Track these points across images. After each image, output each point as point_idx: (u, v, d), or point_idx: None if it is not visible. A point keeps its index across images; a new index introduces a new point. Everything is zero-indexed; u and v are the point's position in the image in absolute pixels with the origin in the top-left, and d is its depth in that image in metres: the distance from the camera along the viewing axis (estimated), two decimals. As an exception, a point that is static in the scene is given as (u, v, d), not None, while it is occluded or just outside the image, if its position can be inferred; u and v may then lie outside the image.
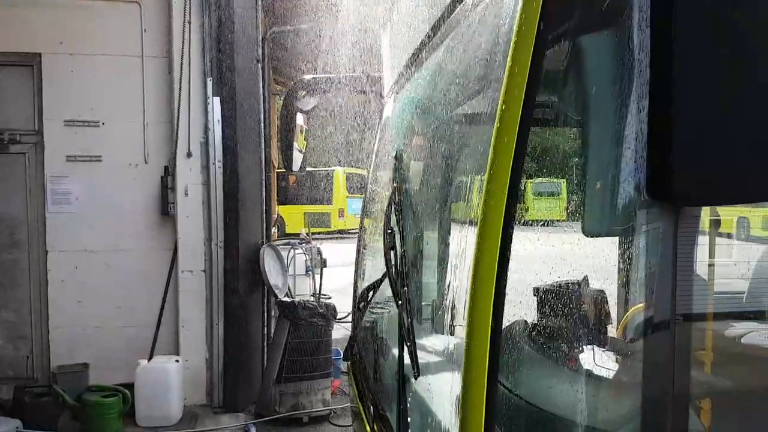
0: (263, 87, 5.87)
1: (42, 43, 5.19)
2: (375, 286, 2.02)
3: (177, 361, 5.05)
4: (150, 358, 5.07)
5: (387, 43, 2.53)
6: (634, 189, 0.92)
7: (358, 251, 2.89)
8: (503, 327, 1.01)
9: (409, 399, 1.69)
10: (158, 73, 5.32)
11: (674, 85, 0.85)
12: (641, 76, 0.91)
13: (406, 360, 1.28)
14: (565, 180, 1.17)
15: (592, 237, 1.00)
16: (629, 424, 1.03)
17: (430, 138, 2.25)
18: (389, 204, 1.48)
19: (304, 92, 2.80)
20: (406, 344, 1.25)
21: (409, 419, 1.57)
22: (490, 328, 0.97)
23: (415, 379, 1.22)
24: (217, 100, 5.28)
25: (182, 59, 5.20)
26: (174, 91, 5.25)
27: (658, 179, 0.88)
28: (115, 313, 5.30)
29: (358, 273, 2.86)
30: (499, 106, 1.00)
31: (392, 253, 1.37)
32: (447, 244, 2.12)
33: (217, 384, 5.37)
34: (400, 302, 1.31)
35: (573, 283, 1.25)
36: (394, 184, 1.51)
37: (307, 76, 3.01)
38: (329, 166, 21.16)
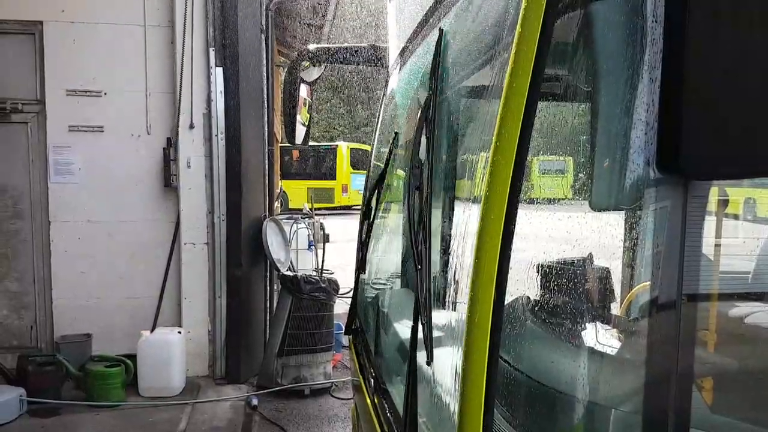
0: (267, 58, 5.80)
1: (43, 11, 5.12)
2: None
3: (179, 332, 5.08)
4: (153, 330, 5.11)
5: (393, 11, 2.48)
6: (643, 162, 0.90)
7: (361, 226, 2.87)
8: (506, 302, 0.99)
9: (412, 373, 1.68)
10: (160, 43, 5.25)
11: (687, 56, 0.82)
12: (653, 45, 0.88)
13: (418, 336, 1.24)
14: (573, 153, 1.15)
15: (599, 211, 0.97)
16: (632, 401, 1.02)
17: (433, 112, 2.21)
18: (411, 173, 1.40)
19: (308, 63, 2.75)
20: (421, 322, 1.20)
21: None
22: (492, 302, 0.96)
23: (428, 365, 1.18)
24: (219, 70, 5.22)
25: (185, 28, 5.13)
26: (176, 61, 5.19)
27: (668, 152, 0.86)
28: (117, 284, 5.32)
29: (360, 248, 2.84)
30: (507, 76, 0.97)
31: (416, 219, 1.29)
32: (451, 219, 2.10)
33: (219, 356, 5.41)
34: (419, 268, 1.24)
35: (577, 260, 1.23)
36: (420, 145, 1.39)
37: (311, 46, 2.96)
38: (333, 141, 21.08)
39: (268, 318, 5.89)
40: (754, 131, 0.83)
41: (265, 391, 5.15)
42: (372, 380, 2.04)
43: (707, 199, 1.25)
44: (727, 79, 0.82)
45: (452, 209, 2.10)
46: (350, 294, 2.93)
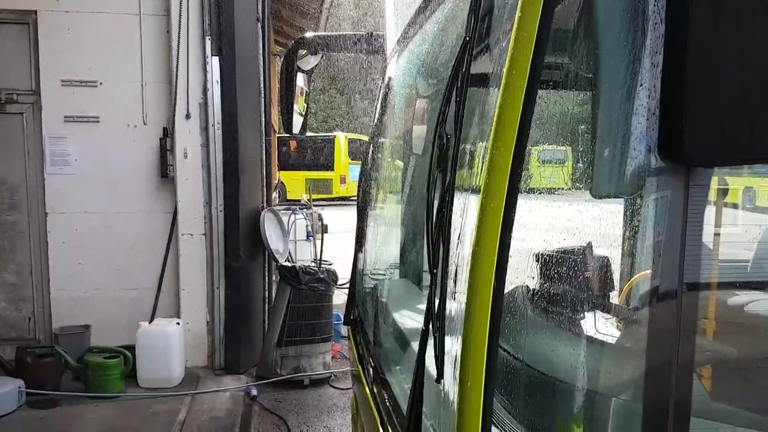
0: (263, 47, 5.76)
1: (37, 0, 5.07)
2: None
3: (178, 323, 5.08)
4: (151, 321, 5.10)
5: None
6: (645, 149, 0.89)
7: (359, 216, 2.86)
8: (505, 291, 0.98)
9: (410, 365, 1.68)
10: (156, 32, 5.21)
11: (690, 41, 0.81)
12: (655, 30, 0.86)
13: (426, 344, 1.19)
14: (573, 140, 1.13)
15: (600, 198, 0.96)
16: (632, 389, 1.02)
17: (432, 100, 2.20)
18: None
19: (305, 51, 2.73)
20: (433, 334, 1.12)
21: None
22: (491, 292, 0.95)
23: (437, 382, 1.11)
24: (216, 59, 5.18)
25: (180, 17, 5.09)
26: (172, 51, 5.15)
27: (670, 139, 0.85)
28: (115, 275, 5.31)
29: (358, 239, 2.83)
30: (506, 62, 0.96)
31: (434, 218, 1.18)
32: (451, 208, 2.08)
33: (218, 346, 5.42)
34: (434, 272, 1.16)
35: (577, 249, 1.22)
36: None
37: (308, 35, 2.92)
38: (331, 131, 21.05)
39: (266, 308, 5.89)
40: (757, 117, 0.82)
41: (265, 381, 5.16)
42: (371, 370, 2.03)
43: (709, 187, 1.24)
44: (730, 64, 0.81)
45: (452, 198, 2.08)
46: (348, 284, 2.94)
